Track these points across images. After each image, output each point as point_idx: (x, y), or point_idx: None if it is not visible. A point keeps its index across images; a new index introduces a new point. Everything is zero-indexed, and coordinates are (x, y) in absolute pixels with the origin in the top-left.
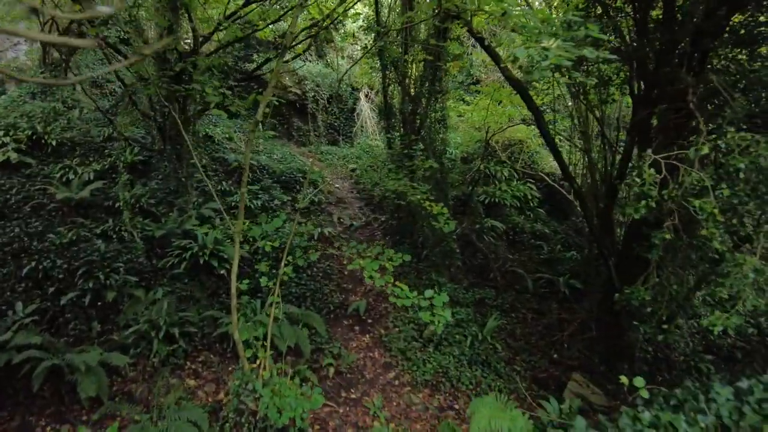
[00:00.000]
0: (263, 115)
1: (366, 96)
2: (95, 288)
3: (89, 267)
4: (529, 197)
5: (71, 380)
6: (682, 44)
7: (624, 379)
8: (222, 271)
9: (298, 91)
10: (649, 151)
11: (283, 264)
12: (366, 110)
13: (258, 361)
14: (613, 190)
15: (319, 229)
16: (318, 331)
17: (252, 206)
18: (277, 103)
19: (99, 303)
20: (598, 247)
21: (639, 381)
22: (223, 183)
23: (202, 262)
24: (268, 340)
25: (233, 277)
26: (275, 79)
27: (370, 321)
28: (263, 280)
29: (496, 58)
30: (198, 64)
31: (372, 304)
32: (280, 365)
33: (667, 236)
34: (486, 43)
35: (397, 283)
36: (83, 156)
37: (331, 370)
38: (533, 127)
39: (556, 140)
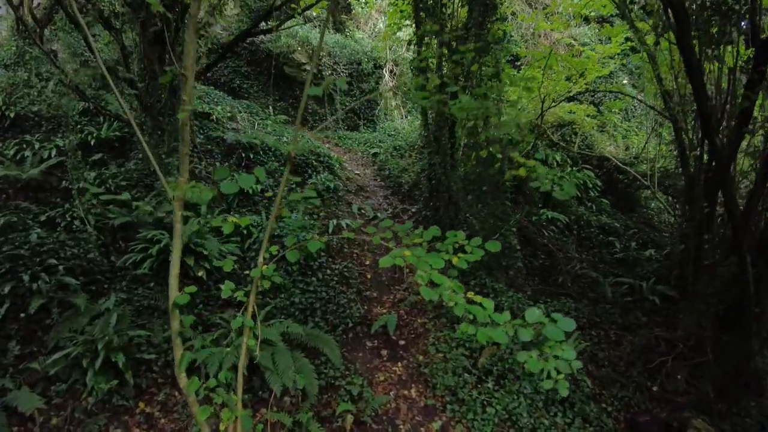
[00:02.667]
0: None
1: (390, 73)
2: (17, 293)
3: (12, 264)
4: (590, 185)
5: None
6: None
7: None
8: (201, 273)
9: (314, 70)
10: None
11: (261, 258)
12: (390, 90)
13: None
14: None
15: (335, 221)
16: (330, 359)
17: (250, 192)
18: None
19: (21, 314)
20: (735, 241)
21: None
22: (218, 164)
23: None
24: (239, 391)
25: (172, 281)
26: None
27: (402, 343)
28: (225, 289)
29: None
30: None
31: (404, 319)
32: (271, 414)
33: None
34: None
35: (472, 295)
36: (51, 132)
37: (349, 419)
38: (585, 104)
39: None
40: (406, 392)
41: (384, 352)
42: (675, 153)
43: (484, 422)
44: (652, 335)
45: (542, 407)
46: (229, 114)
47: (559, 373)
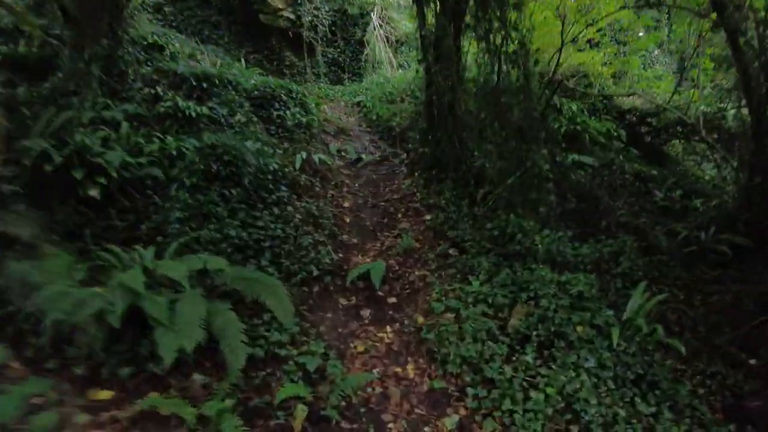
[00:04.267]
0: None
1: (380, 19)
2: None
3: None
4: (613, 133)
5: None
6: None
7: None
8: (93, 192)
9: (292, 16)
10: None
11: None
12: (380, 38)
13: None
14: None
15: (303, 154)
16: (276, 316)
17: (194, 114)
18: None
19: None
20: None
21: None
22: (163, 91)
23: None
24: None
25: None
26: None
27: (392, 300)
28: None
29: None
30: None
31: (396, 270)
32: (152, 400)
33: None
34: None
35: None
36: None
37: (300, 412)
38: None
39: None
40: (398, 369)
41: (365, 313)
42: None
43: (529, 415)
44: (730, 293)
45: (614, 389)
46: (188, 52)
47: None
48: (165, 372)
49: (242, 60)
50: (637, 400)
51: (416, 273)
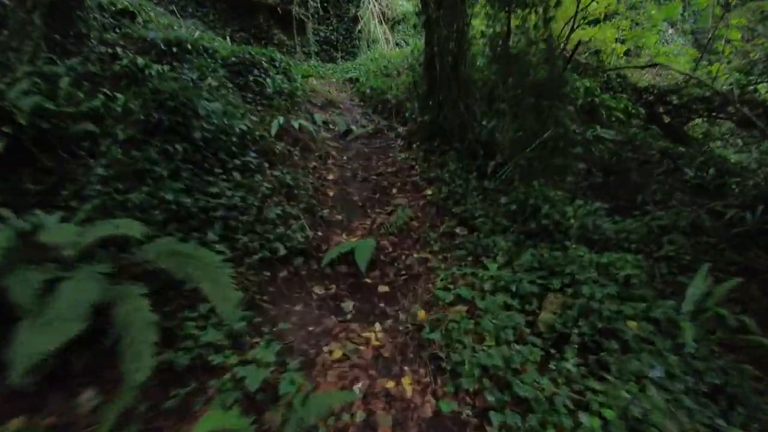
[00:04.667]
0: None
1: None
2: None
3: None
4: (632, 110)
5: None
6: None
7: None
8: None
9: None
10: None
11: None
12: (375, 15)
13: None
14: None
15: (281, 119)
16: (216, 306)
17: (154, 74)
18: None
19: None
20: None
21: None
22: (123, 52)
23: None
24: None
25: None
26: None
27: (384, 289)
28: None
29: None
30: None
31: (388, 252)
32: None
33: None
34: None
35: None
36: None
37: None
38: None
39: None
40: (390, 384)
41: (348, 305)
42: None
43: None
44: None
45: (695, 409)
46: (165, 23)
47: None
48: (35, 386)
49: (227, 38)
50: (720, 423)
51: (415, 255)
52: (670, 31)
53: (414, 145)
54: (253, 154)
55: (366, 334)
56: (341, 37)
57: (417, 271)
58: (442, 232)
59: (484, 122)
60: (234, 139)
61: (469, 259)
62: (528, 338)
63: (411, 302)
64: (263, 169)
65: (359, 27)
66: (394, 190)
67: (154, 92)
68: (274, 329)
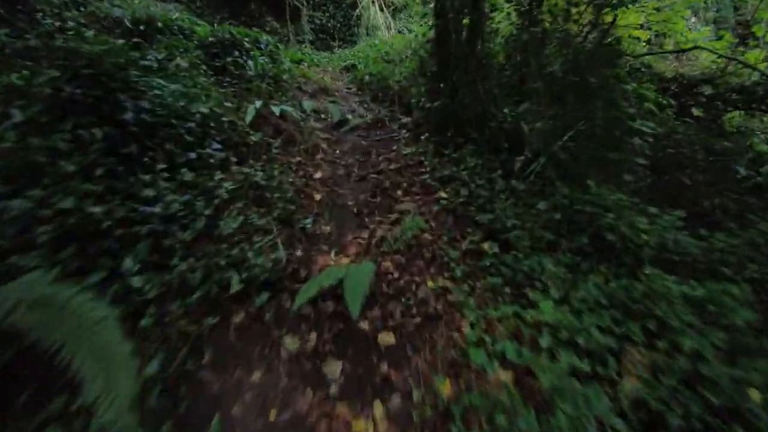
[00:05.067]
0: None
1: None
2: None
3: None
4: (663, 101)
5: None
6: None
7: None
8: None
9: None
10: None
11: None
12: (375, 0)
13: None
14: None
15: (258, 103)
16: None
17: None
18: None
19: None
20: None
21: None
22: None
23: None
24: None
25: None
26: None
27: (388, 341)
28: None
29: None
30: None
31: (392, 279)
32: None
33: None
34: None
35: None
36: None
37: None
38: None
39: None
40: None
41: (332, 369)
42: None
43: None
44: None
45: None
46: (141, 4)
47: None
48: None
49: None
50: None
51: (430, 284)
52: (693, 19)
53: (422, 137)
54: (216, 146)
55: (361, 422)
56: (338, 25)
57: (434, 309)
58: (465, 250)
59: (506, 109)
60: (191, 125)
61: (507, 290)
62: (612, 421)
63: (428, 363)
64: (228, 165)
65: (357, 12)
66: (399, 193)
67: (67, 52)
68: (208, 424)
